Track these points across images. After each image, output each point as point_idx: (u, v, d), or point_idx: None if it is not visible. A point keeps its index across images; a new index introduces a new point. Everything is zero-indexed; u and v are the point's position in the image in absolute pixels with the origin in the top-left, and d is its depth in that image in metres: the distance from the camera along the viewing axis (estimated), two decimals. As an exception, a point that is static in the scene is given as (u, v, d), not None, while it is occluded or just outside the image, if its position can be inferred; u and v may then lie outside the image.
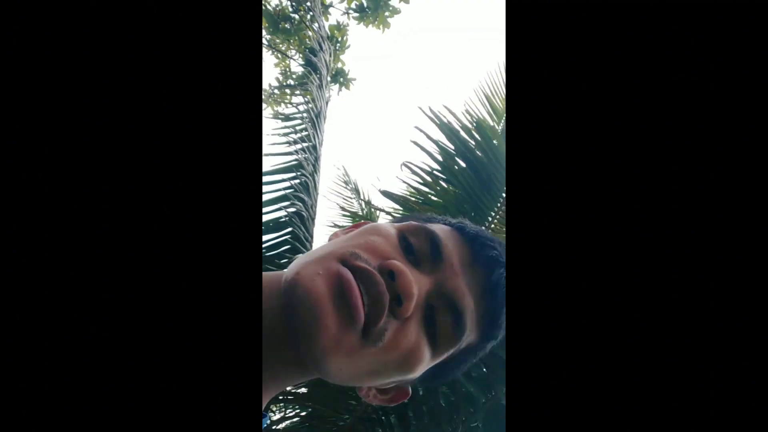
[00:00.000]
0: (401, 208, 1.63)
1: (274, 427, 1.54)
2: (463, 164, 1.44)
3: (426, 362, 0.40)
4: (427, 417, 1.17)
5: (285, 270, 0.41)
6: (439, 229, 0.43)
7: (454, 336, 0.40)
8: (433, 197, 1.51)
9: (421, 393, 1.24)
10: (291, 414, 1.57)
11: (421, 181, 1.49)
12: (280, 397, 1.49)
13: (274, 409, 1.71)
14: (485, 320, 0.42)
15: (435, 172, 1.47)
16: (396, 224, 0.43)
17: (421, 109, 1.43)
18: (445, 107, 1.48)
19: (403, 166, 1.37)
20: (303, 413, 1.51)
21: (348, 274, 0.35)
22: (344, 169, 3.09)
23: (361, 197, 3.02)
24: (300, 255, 0.42)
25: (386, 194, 1.39)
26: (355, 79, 4.22)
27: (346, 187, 3.07)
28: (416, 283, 0.37)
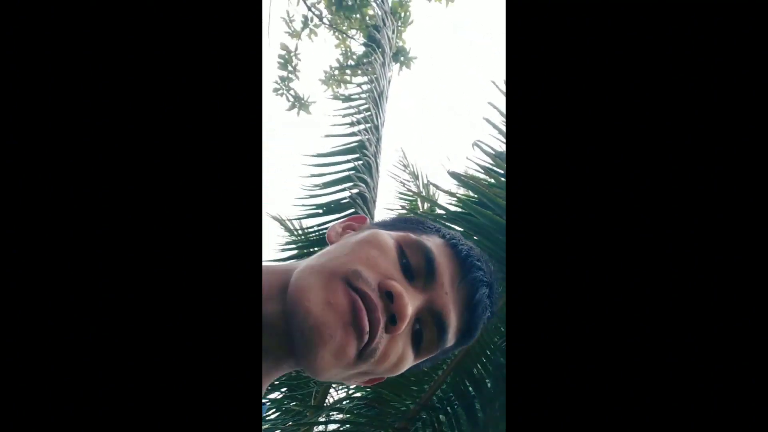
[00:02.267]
0: (466, 190, 1.55)
1: (338, 405, 1.57)
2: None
3: (408, 365, 0.45)
4: (498, 411, 1.11)
5: (289, 265, 0.44)
6: (433, 244, 0.46)
7: (437, 346, 0.45)
8: (504, 179, 1.41)
9: (489, 386, 1.18)
10: (356, 395, 1.59)
11: (492, 163, 1.39)
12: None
13: (336, 386, 1.74)
14: (462, 331, 0.47)
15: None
16: (394, 234, 0.45)
17: (494, 83, 1.33)
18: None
19: (475, 146, 1.29)
20: (368, 395, 1.51)
21: (359, 304, 0.38)
22: (403, 152, 3.05)
23: (419, 180, 2.96)
24: (303, 261, 0.45)
25: (454, 176, 1.32)
26: (416, 58, 4.10)
27: (404, 170, 3.02)
28: (411, 304, 0.40)
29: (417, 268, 0.44)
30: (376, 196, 2.07)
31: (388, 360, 0.41)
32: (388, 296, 0.40)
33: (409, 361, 0.44)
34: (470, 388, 1.22)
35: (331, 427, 1.49)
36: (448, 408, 1.23)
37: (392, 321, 0.40)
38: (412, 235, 0.46)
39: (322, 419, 1.48)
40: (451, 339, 0.46)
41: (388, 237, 0.45)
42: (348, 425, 1.44)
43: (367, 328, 0.38)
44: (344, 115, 2.24)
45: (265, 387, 0.44)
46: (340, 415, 1.51)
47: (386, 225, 0.51)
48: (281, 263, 0.47)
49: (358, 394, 1.56)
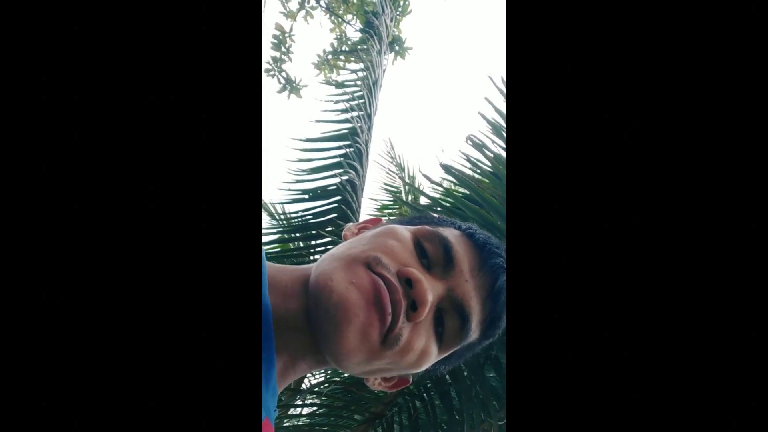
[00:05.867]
0: (455, 183, 1.57)
1: (315, 389, 1.58)
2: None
3: (433, 359, 0.44)
4: (474, 399, 1.15)
5: (309, 267, 0.44)
6: (450, 234, 0.46)
7: (460, 337, 0.44)
8: (494, 176, 1.43)
9: (465, 374, 1.21)
10: (335, 379, 1.60)
11: (482, 158, 1.41)
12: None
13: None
14: (487, 322, 0.46)
15: (500, 148, 1.39)
16: (410, 227, 0.46)
17: (491, 78, 1.34)
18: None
19: (468, 140, 1.30)
20: (346, 380, 1.53)
21: (381, 284, 0.38)
22: (390, 143, 3.03)
23: (405, 173, 2.96)
24: (323, 255, 0.45)
25: (446, 168, 1.33)
26: (411, 48, 4.07)
27: (391, 162, 3.01)
28: (431, 290, 0.40)
29: (434, 257, 0.44)
30: (364, 185, 2.06)
31: (412, 351, 0.41)
32: (408, 283, 0.40)
33: (433, 354, 0.43)
34: (447, 376, 1.25)
35: (308, 410, 1.50)
36: (425, 395, 1.25)
37: (413, 308, 0.40)
38: (428, 227, 0.46)
39: (298, 402, 1.48)
40: (474, 330, 0.45)
41: (404, 229, 0.45)
42: (324, 408, 1.45)
43: (389, 309, 0.38)
44: (336, 101, 2.22)
45: (280, 389, 0.43)
46: (317, 399, 1.51)
47: (402, 222, 0.50)
48: (299, 266, 0.47)
49: (336, 378, 1.58)
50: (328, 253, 0.45)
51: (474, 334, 0.45)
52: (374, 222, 0.52)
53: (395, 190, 2.83)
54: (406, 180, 2.91)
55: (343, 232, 0.51)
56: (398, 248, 0.42)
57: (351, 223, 0.52)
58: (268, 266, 0.42)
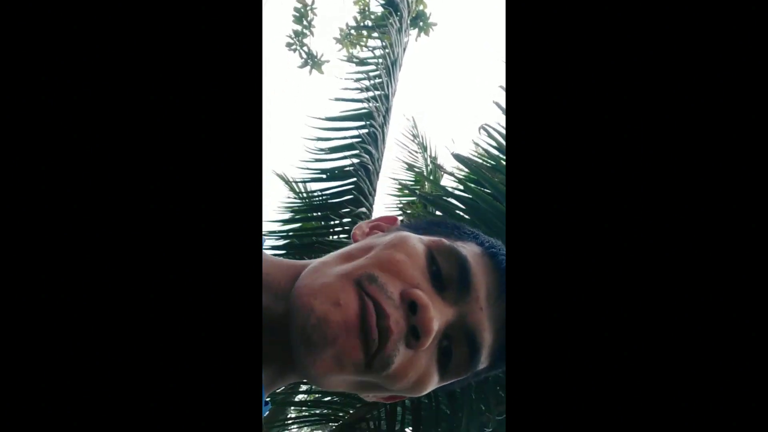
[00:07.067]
0: (469, 172, 1.54)
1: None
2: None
3: (432, 387, 0.40)
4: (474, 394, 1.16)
5: (304, 264, 0.40)
6: (470, 252, 0.41)
7: (467, 367, 0.40)
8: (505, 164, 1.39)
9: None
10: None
11: (496, 145, 1.38)
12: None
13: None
14: (498, 353, 0.41)
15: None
16: (425, 239, 0.41)
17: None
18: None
19: (482, 129, 1.27)
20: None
21: (371, 308, 0.34)
22: (414, 121, 2.99)
23: (428, 153, 2.92)
24: (318, 261, 0.41)
25: (458, 158, 1.31)
26: (436, 24, 3.93)
27: (413, 141, 2.97)
28: (438, 318, 0.36)
29: (449, 277, 0.38)
30: (380, 168, 2.06)
31: (406, 378, 0.37)
32: (412, 307, 0.35)
33: (433, 382, 0.39)
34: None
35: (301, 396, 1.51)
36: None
37: (415, 335, 0.35)
38: (446, 241, 0.40)
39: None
40: (483, 361, 0.40)
41: (418, 241, 0.40)
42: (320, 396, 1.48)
43: (374, 335, 0.34)
44: (356, 80, 2.19)
45: (266, 395, 0.39)
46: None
47: (418, 228, 0.45)
48: (295, 261, 0.43)
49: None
50: (323, 260, 0.40)
51: (483, 364, 0.41)
52: (389, 221, 0.47)
53: (417, 170, 2.81)
54: (428, 161, 2.87)
55: (353, 231, 0.46)
56: (407, 264, 0.37)
57: (363, 221, 0.48)
58: (264, 261, 0.38)
